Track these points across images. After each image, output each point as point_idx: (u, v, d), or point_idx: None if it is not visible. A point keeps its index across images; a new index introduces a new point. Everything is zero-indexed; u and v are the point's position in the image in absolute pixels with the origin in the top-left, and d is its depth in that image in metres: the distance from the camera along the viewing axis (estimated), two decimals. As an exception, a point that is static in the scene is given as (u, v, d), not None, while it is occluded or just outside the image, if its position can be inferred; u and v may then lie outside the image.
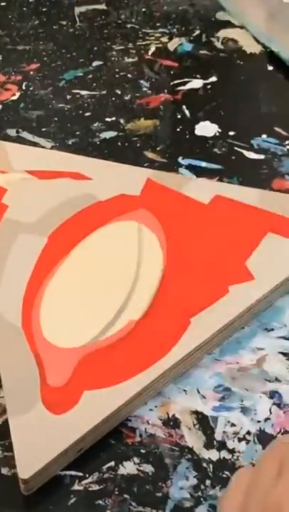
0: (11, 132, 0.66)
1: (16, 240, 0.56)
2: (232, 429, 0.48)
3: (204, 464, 0.47)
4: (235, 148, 0.64)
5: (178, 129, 0.66)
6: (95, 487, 0.46)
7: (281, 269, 0.53)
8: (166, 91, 0.69)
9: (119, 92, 0.69)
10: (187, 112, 0.67)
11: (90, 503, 0.45)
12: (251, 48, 0.73)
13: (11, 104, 0.68)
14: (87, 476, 0.46)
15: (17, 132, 0.66)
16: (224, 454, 0.47)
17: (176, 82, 0.70)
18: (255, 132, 0.65)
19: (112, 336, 0.50)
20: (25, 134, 0.66)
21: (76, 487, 0.46)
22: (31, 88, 0.70)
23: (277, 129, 0.66)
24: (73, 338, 0.50)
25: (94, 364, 0.49)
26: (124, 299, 0.52)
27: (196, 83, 0.70)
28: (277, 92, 0.69)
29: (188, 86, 0.69)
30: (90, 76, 0.71)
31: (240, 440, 0.48)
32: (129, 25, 0.76)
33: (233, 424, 0.49)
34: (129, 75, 0.71)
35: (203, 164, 0.63)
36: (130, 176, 0.60)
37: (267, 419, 0.49)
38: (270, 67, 0.71)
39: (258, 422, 0.49)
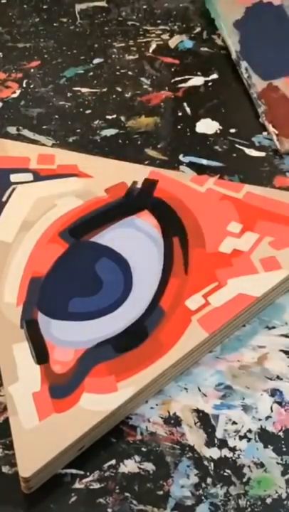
0: (12, 130, 0.66)
1: (16, 237, 0.56)
2: (233, 427, 0.48)
3: (205, 462, 0.47)
4: (236, 145, 0.64)
5: (179, 127, 0.66)
6: (96, 485, 0.46)
7: (283, 267, 0.53)
8: (166, 88, 0.69)
9: (119, 89, 0.69)
10: (188, 110, 0.67)
11: (90, 502, 0.45)
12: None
13: (12, 101, 0.68)
14: (88, 474, 0.46)
15: (18, 130, 0.66)
16: (225, 452, 0.47)
17: (176, 79, 0.70)
18: (256, 130, 0.65)
19: (113, 334, 0.50)
20: (25, 132, 0.66)
21: (77, 485, 0.46)
22: (32, 86, 0.70)
23: (278, 126, 0.65)
24: (74, 336, 0.50)
25: (95, 362, 0.49)
26: (124, 296, 0.52)
27: (197, 80, 0.70)
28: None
29: (189, 83, 0.69)
30: (91, 73, 0.71)
31: (241, 438, 0.48)
32: (129, 23, 0.75)
33: (234, 423, 0.49)
34: (129, 73, 0.70)
35: (204, 162, 0.63)
36: (131, 174, 0.59)
37: (268, 418, 0.49)
38: (271, 65, 0.71)
39: (259, 420, 0.49)
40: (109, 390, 0.48)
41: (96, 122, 0.66)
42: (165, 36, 0.74)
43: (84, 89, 0.69)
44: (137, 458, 0.47)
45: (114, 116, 0.67)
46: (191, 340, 0.50)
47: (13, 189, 0.59)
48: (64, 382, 0.48)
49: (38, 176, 0.60)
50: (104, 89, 0.69)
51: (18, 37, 0.74)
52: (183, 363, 0.50)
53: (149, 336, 0.50)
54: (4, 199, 0.58)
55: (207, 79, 0.70)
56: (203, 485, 0.46)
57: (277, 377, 0.51)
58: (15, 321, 0.51)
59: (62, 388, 0.48)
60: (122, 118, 0.67)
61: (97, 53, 0.73)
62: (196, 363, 0.51)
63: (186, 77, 0.70)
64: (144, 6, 0.77)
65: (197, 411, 0.49)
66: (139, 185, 0.59)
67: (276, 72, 0.67)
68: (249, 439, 0.48)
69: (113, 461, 0.47)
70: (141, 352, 0.49)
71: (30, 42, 0.74)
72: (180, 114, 0.67)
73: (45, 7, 0.77)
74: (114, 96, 0.68)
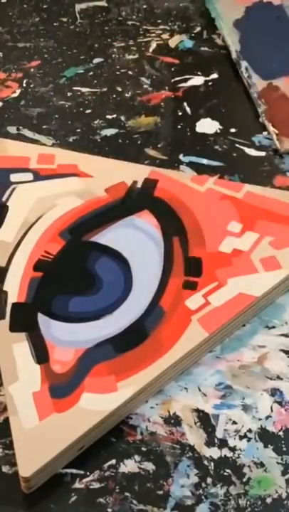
0: (12, 130, 0.66)
1: (16, 237, 0.56)
2: (233, 427, 0.48)
3: (205, 462, 0.47)
4: (236, 145, 0.64)
5: (179, 126, 0.66)
6: (96, 485, 0.46)
7: (283, 267, 0.53)
8: (167, 88, 0.69)
9: (120, 89, 0.69)
10: (188, 109, 0.67)
11: (90, 501, 0.45)
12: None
13: (12, 101, 0.68)
14: (88, 474, 0.46)
15: (18, 129, 0.66)
16: (225, 451, 0.47)
17: (177, 79, 0.70)
18: (256, 129, 0.65)
19: (113, 334, 0.50)
20: (25, 132, 0.66)
21: (77, 485, 0.46)
22: (32, 85, 0.70)
23: (278, 126, 0.65)
24: (74, 335, 0.50)
25: (95, 362, 0.49)
26: (124, 296, 0.52)
27: (197, 80, 0.69)
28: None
29: (189, 83, 0.69)
30: (91, 73, 0.71)
31: (241, 438, 0.48)
32: (130, 22, 0.75)
33: (234, 422, 0.49)
34: (130, 72, 0.70)
35: (204, 161, 0.63)
36: (131, 174, 0.59)
37: (268, 417, 0.49)
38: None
39: (259, 419, 0.49)
40: (109, 390, 0.48)
41: (96, 122, 0.66)
42: (165, 36, 0.74)
43: (84, 89, 0.69)
44: (137, 458, 0.47)
45: (115, 115, 0.67)
46: (191, 340, 0.50)
47: (13, 189, 0.59)
48: (64, 382, 0.48)
49: (38, 176, 0.60)
50: (105, 89, 0.69)
51: (18, 36, 0.74)
52: (183, 362, 0.50)
53: (149, 335, 0.50)
54: (4, 199, 0.58)
55: (207, 79, 0.70)
56: (203, 485, 0.46)
57: (278, 376, 0.51)
58: (15, 321, 0.51)
59: (62, 388, 0.48)
60: (122, 118, 0.67)
61: (97, 53, 0.72)
62: (196, 362, 0.51)
63: (186, 76, 0.70)
64: (144, 6, 0.77)
65: (197, 411, 0.49)
66: (139, 185, 0.59)
67: (276, 72, 0.67)
68: (249, 439, 0.48)
69: (113, 461, 0.47)
70: (141, 352, 0.49)
71: (31, 41, 0.74)
72: (180, 113, 0.67)
73: (45, 7, 0.77)
74: (114, 96, 0.68)
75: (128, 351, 0.49)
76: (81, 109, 0.67)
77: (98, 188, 0.59)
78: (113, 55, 0.72)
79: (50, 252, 0.55)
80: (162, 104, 0.68)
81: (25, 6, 0.78)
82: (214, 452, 0.47)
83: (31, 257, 0.54)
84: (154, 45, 0.73)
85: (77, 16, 0.76)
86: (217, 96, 0.68)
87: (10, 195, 0.58)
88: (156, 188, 0.58)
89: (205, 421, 0.49)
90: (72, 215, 0.57)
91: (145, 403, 0.49)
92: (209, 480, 0.46)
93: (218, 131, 0.65)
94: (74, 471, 0.47)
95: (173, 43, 0.73)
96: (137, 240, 0.55)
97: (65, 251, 0.55)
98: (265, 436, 0.48)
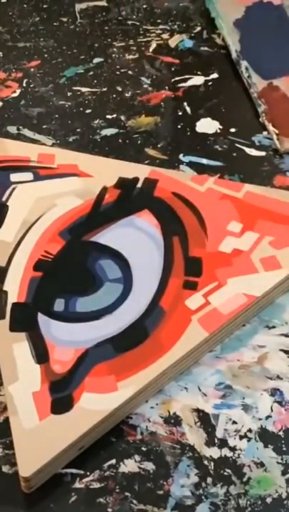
0: (12, 129, 0.66)
1: (16, 237, 0.56)
2: (233, 427, 0.48)
3: (205, 462, 0.47)
4: (236, 145, 0.64)
5: (179, 126, 0.66)
6: (96, 485, 0.46)
7: (283, 267, 0.53)
8: (167, 88, 0.69)
9: (120, 88, 0.69)
10: (188, 109, 0.67)
11: (90, 501, 0.45)
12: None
13: (12, 101, 0.68)
14: (88, 474, 0.46)
15: (18, 129, 0.66)
16: (225, 451, 0.47)
17: (177, 78, 0.70)
18: (256, 129, 0.65)
19: (113, 334, 0.50)
20: (26, 131, 0.66)
21: (77, 485, 0.46)
22: (32, 85, 0.70)
23: (278, 125, 0.65)
24: (74, 335, 0.50)
25: (95, 362, 0.49)
26: (124, 296, 0.52)
27: (197, 80, 0.69)
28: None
29: (189, 83, 0.69)
30: (91, 73, 0.71)
31: (241, 438, 0.48)
32: (130, 22, 0.75)
33: (234, 422, 0.49)
34: (130, 72, 0.70)
35: (204, 161, 0.63)
36: (131, 173, 0.59)
37: (268, 417, 0.49)
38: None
39: (259, 419, 0.49)
40: (110, 390, 0.48)
41: (96, 122, 0.66)
42: (165, 36, 0.74)
43: (84, 89, 0.69)
44: (137, 457, 0.47)
45: (115, 115, 0.67)
46: (191, 340, 0.50)
47: (13, 189, 0.59)
48: (64, 382, 0.48)
49: (38, 176, 0.60)
50: (105, 89, 0.69)
51: (18, 36, 0.74)
52: (183, 362, 0.50)
53: (149, 335, 0.50)
54: (4, 199, 0.58)
55: (207, 78, 0.70)
56: (204, 484, 0.46)
57: (278, 376, 0.51)
58: (15, 321, 0.51)
59: (62, 387, 0.48)
60: (122, 117, 0.67)
61: (97, 53, 0.72)
62: (196, 362, 0.51)
63: (186, 76, 0.70)
64: (144, 6, 0.77)
65: (197, 410, 0.49)
66: (139, 185, 0.59)
67: (276, 72, 0.67)
68: (249, 439, 0.48)
69: (113, 461, 0.47)
70: (141, 352, 0.49)
71: (30, 41, 0.74)
72: (180, 113, 0.67)
73: (45, 6, 0.77)
74: (114, 95, 0.68)
75: (128, 351, 0.49)
76: (81, 109, 0.67)
77: (98, 188, 0.59)
78: (113, 55, 0.72)
79: (50, 252, 0.55)
80: (162, 104, 0.68)
81: (25, 5, 0.78)
82: (214, 452, 0.47)
83: (31, 257, 0.55)
84: (154, 44, 0.73)
85: (77, 15, 0.76)
86: (217, 96, 0.68)
87: (10, 195, 0.58)
88: (156, 188, 0.58)
89: (205, 421, 0.49)
90: (72, 215, 0.57)
91: (145, 403, 0.49)
92: (209, 480, 0.46)
93: (218, 131, 0.65)
94: (74, 471, 0.47)
95: (173, 42, 0.73)
96: (137, 239, 0.55)
97: (65, 251, 0.55)
98: (265, 436, 0.48)
